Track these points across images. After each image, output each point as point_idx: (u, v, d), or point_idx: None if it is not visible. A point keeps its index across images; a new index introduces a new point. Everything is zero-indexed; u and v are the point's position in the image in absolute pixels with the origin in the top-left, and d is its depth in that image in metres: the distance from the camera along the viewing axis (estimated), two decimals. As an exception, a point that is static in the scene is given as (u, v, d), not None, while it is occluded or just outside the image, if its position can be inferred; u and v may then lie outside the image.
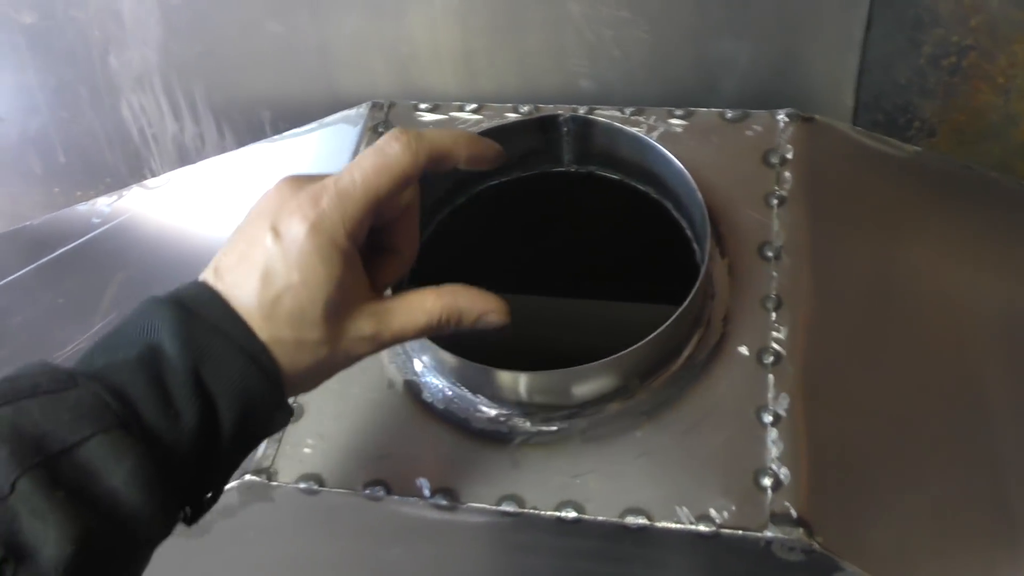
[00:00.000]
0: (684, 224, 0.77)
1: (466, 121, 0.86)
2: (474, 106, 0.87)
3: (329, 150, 0.89)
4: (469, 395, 0.72)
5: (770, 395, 0.69)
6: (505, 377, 0.69)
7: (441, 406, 0.72)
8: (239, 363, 0.51)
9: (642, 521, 0.66)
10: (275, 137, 0.95)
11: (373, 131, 0.87)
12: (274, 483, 0.70)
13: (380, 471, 0.70)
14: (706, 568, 0.69)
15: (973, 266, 0.81)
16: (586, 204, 0.83)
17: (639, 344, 0.67)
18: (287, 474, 0.70)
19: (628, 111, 0.84)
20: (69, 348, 0.92)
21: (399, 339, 0.57)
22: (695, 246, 0.76)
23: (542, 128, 0.79)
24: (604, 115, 0.82)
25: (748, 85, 1.00)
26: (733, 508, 0.65)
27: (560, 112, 0.78)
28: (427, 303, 0.57)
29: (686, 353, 0.72)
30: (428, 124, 0.87)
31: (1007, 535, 0.69)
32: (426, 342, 0.70)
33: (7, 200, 1.36)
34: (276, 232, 0.53)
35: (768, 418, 0.68)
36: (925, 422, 0.72)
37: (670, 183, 0.77)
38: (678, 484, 0.67)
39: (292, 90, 1.18)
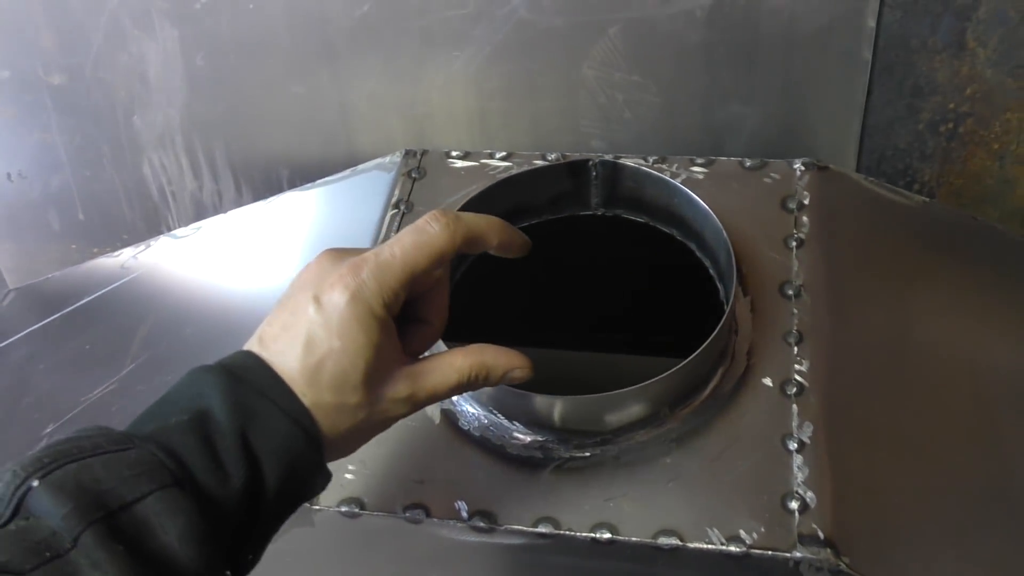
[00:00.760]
0: (708, 264, 0.81)
1: (496, 168, 0.90)
2: (503, 153, 0.90)
3: (363, 196, 0.92)
4: (505, 422, 0.74)
5: (794, 423, 0.72)
6: (541, 402, 0.71)
7: (477, 433, 0.75)
8: (284, 426, 0.54)
9: (674, 542, 0.68)
10: (308, 185, 0.97)
11: (407, 176, 0.90)
12: (315, 507, 0.72)
13: (419, 495, 0.72)
14: (735, 590, 0.71)
15: (981, 310, 0.84)
16: (613, 246, 0.87)
17: (670, 372, 0.70)
18: (328, 498, 0.72)
19: (651, 159, 0.88)
20: (99, 390, 0.93)
21: (433, 399, 0.60)
22: (719, 285, 0.80)
23: (572, 172, 0.83)
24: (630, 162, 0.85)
25: (754, 147, 1.04)
26: (762, 530, 0.68)
27: (590, 157, 0.81)
28: (457, 362, 0.60)
29: (712, 384, 0.75)
30: (460, 171, 0.90)
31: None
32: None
33: (24, 256, 1.38)
34: (318, 302, 0.56)
35: (793, 445, 0.71)
36: (943, 453, 0.75)
37: (695, 225, 0.80)
38: (708, 507, 0.69)
39: (311, 148, 1.21)
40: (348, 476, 0.73)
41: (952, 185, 1.12)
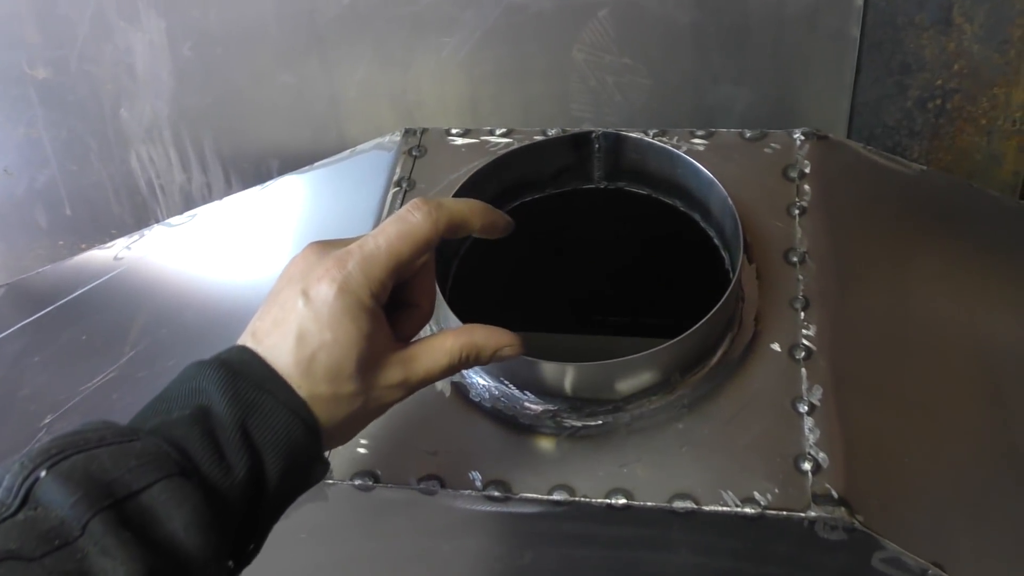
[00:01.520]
0: (712, 233, 0.81)
1: (496, 144, 0.90)
2: (503, 130, 0.91)
3: (364, 176, 0.92)
4: (516, 392, 0.74)
5: (804, 387, 0.73)
6: (552, 371, 0.71)
7: (489, 404, 0.75)
8: (283, 418, 0.55)
9: (690, 505, 0.68)
10: (305, 168, 0.97)
11: (408, 155, 0.90)
12: (329, 481, 0.72)
13: (433, 466, 0.72)
14: (750, 553, 0.71)
15: (979, 274, 0.86)
16: (616, 218, 0.87)
17: (679, 338, 0.70)
18: (341, 472, 0.72)
19: (652, 132, 0.88)
20: (98, 379, 0.92)
21: (426, 381, 0.61)
22: (724, 254, 0.80)
23: (575, 145, 0.83)
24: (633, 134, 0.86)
25: (744, 128, 1.05)
26: (776, 491, 0.68)
27: (592, 129, 0.82)
28: (447, 344, 0.61)
29: (721, 350, 0.75)
30: (460, 148, 0.90)
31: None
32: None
33: (10, 254, 1.37)
34: (307, 295, 0.57)
35: (804, 407, 0.72)
36: (950, 413, 0.76)
37: (699, 195, 0.81)
38: (722, 470, 0.70)
39: (301, 138, 1.21)
40: (361, 450, 0.73)
41: (941, 161, 1.14)
